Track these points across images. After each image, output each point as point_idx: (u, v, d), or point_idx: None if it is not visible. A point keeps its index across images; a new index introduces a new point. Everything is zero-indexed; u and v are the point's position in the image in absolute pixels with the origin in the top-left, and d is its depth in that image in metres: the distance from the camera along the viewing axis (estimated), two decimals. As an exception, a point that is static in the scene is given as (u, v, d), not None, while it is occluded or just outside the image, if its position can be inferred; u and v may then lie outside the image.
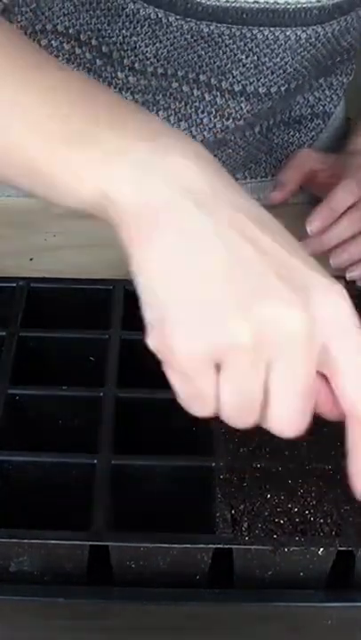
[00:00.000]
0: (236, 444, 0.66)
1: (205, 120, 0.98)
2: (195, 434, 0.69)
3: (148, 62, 0.93)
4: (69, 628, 0.62)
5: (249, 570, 0.61)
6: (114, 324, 0.76)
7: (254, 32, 0.91)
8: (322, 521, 0.61)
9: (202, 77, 0.95)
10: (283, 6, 0.89)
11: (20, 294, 0.79)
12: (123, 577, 0.61)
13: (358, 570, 0.61)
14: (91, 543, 0.60)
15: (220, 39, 0.91)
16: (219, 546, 0.60)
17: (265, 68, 0.94)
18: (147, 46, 0.91)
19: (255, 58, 0.93)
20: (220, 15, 0.89)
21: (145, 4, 0.88)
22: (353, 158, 1.01)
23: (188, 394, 0.56)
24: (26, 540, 0.60)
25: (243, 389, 0.55)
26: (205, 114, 0.97)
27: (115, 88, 0.95)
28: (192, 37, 0.90)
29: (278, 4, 0.89)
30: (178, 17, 0.89)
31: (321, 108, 1.05)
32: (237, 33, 0.91)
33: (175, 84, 0.95)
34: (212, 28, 0.90)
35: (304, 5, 0.89)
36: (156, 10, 0.89)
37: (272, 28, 0.91)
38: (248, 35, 0.91)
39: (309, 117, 1.05)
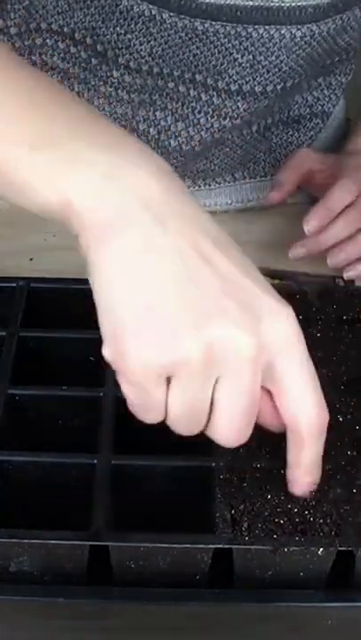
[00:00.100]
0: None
1: (203, 120, 0.98)
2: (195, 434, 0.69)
3: (143, 61, 0.93)
4: (69, 628, 0.62)
5: (249, 570, 0.61)
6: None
7: (249, 30, 0.91)
8: (322, 521, 0.61)
9: (198, 77, 0.95)
10: (277, 4, 0.89)
11: (20, 294, 0.79)
12: (123, 577, 0.61)
13: (358, 570, 0.61)
14: (91, 543, 0.60)
15: (214, 37, 0.91)
16: (219, 546, 0.60)
17: (260, 67, 0.93)
18: (141, 44, 0.91)
19: (251, 56, 0.93)
20: (215, 13, 0.89)
21: (139, 1, 0.88)
22: (351, 158, 1.02)
23: (139, 403, 0.59)
24: (26, 540, 0.60)
25: (191, 401, 0.58)
26: (202, 114, 0.97)
27: (110, 87, 0.95)
28: (187, 35, 0.90)
29: (273, 1, 0.89)
30: (172, 14, 0.89)
31: (320, 107, 1.05)
32: (232, 31, 0.90)
33: (171, 84, 0.95)
34: (206, 25, 0.90)
35: (299, 3, 0.89)
36: (150, 7, 0.88)
37: (267, 26, 0.91)
38: (243, 33, 0.91)
39: (308, 117, 1.05)
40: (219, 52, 0.92)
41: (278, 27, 0.91)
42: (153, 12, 0.89)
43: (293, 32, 0.91)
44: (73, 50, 0.94)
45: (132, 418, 0.69)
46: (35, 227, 0.99)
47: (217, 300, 0.57)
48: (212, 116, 0.97)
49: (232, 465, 0.65)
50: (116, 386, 0.70)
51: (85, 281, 0.78)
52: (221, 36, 0.91)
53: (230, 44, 0.92)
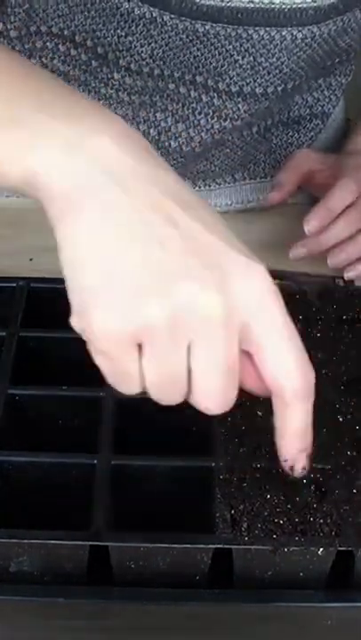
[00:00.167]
0: (236, 444, 0.66)
1: (203, 121, 0.98)
2: (195, 434, 0.69)
3: (144, 63, 0.93)
4: (69, 628, 0.62)
5: (249, 570, 0.61)
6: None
7: (250, 32, 0.91)
8: (322, 521, 0.61)
9: (198, 78, 0.95)
10: (278, 6, 0.89)
11: (20, 294, 0.79)
12: (123, 577, 0.61)
13: (358, 570, 0.61)
14: (91, 543, 0.60)
15: (215, 39, 0.91)
16: (219, 546, 0.60)
17: (261, 69, 0.94)
18: (142, 46, 0.91)
19: (251, 58, 0.93)
20: (215, 15, 0.89)
21: (139, 3, 0.88)
22: (351, 158, 1.02)
23: (113, 373, 0.57)
24: (26, 540, 0.60)
25: (165, 368, 0.56)
26: (203, 115, 0.97)
27: (111, 89, 0.95)
28: (187, 37, 0.90)
29: (274, 3, 0.89)
30: (172, 16, 0.89)
31: (320, 108, 1.05)
32: (233, 33, 0.91)
33: (172, 86, 0.95)
34: (207, 27, 0.90)
35: (300, 5, 0.89)
36: (151, 9, 0.88)
37: (268, 28, 0.91)
38: (244, 35, 0.91)
39: (308, 118, 1.05)
40: (219, 54, 0.92)
41: (279, 28, 0.91)
42: (154, 15, 0.89)
43: (294, 34, 0.91)
44: (73, 52, 0.94)
45: (133, 418, 0.70)
46: (35, 227, 0.98)
47: (180, 259, 0.55)
48: (213, 118, 0.97)
49: (232, 465, 0.65)
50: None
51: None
52: (222, 37, 0.91)
53: (231, 46, 0.92)
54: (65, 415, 0.71)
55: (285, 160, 1.03)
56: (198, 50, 0.92)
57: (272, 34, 0.91)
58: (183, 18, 0.89)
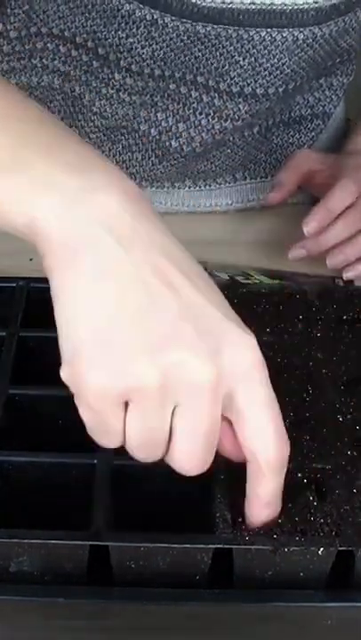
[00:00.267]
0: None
1: (204, 121, 0.98)
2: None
3: (145, 64, 0.93)
4: (69, 628, 0.62)
5: (249, 570, 0.61)
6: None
7: (251, 33, 0.91)
8: (322, 521, 0.61)
9: (199, 79, 0.95)
10: (279, 7, 0.89)
11: (20, 294, 0.79)
12: (123, 577, 0.61)
13: (358, 570, 0.61)
14: (91, 543, 0.60)
15: (216, 40, 0.91)
16: (219, 546, 0.60)
17: (262, 70, 0.94)
18: (143, 48, 0.91)
19: (252, 59, 0.93)
20: (216, 16, 0.89)
21: (140, 5, 0.88)
22: (351, 158, 1.02)
23: (96, 427, 0.58)
24: (26, 540, 0.60)
25: (148, 428, 0.57)
26: (204, 115, 0.98)
27: (112, 89, 0.95)
28: (188, 39, 0.90)
29: (274, 5, 0.89)
30: (173, 18, 0.89)
31: (321, 108, 1.05)
32: (234, 34, 0.91)
33: (173, 86, 0.95)
34: (208, 29, 0.90)
35: (301, 6, 0.90)
36: (152, 11, 0.89)
37: (269, 29, 0.91)
38: (245, 36, 0.91)
39: (309, 118, 1.05)
40: (220, 55, 0.92)
41: (280, 29, 0.91)
42: (155, 17, 0.89)
43: (295, 35, 0.91)
44: (74, 53, 0.94)
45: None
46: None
47: (175, 325, 0.56)
48: (214, 118, 0.97)
49: (232, 465, 0.64)
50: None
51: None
52: (223, 39, 0.91)
53: (232, 47, 0.92)
54: (65, 415, 0.70)
55: (285, 160, 1.03)
56: (199, 51, 0.92)
57: (273, 35, 0.91)
58: (184, 20, 0.89)
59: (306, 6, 0.90)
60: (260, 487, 0.60)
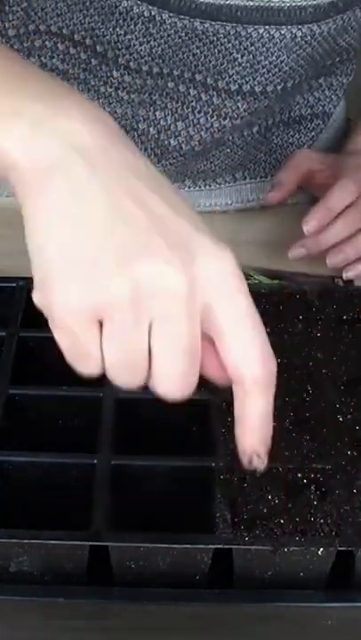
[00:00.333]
0: (237, 444, 0.66)
1: (202, 120, 0.98)
2: (195, 434, 0.69)
3: (143, 61, 0.93)
4: (69, 628, 0.62)
5: (249, 570, 0.61)
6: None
7: (249, 30, 0.91)
8: (322, 521, 0.61)
9: (198, 77, 0.95)
10: (277, 4, 0.89)
11: (20, 294, 0.79)
12: (123, 577, 0.61)
13: (358, 570, 0.61)
14: (91, 543, 0.60)
15: (214, 37, 0.91)
16: (219, 546, 0.60)
17: (261, 67, 0.94)
18: (141, 44, 0.91)
19: (251, 56, 0.93)
20: (214, 13, 0.89)
21: (138, 2, 0.88)
22: (351, 158, 1.02)
23: (72, 351, 0.57)
24: (26, 540, 0.60)
25: (125, 347, 0.55)
26: (202, 113, 0.98)
27: (110, 87, 0.95)
28: (186, 35, 0.90)
29: (273, 2, 0.89)
30: (171, 14, 0.89)
31: (321, 108, 1.05)
32: (232, 31, 0.91)
33: (171, 84, 0.95)
34: (206, 26, 0.90)
35: (299, 3, 0.89)
36: (150, 7, 0.89)
37: (267, 27, 0.91)
38: (243, 33, 0.91)
39: (309, 118, 1.05)
40: (219, 52, 0.92)
41: (278, 27, 0.91)
42: (153, 13, 0.89)
43: (294, 32, 0.91)
44: (72, 51, 0.94)
45: (133, 418, 0.70)
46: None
47: (146, 238, 0.55)
48: (212, 116, 0.97)
49: (232, 465, 0.65)
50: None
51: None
52: (221, 36, 0.91)
53: (230, 44, 0.92)
54: (65, 415, 0.71)
55: (285, 160, 1.03)
56: (197, 48, 0.92)
57: (271, 32, 0.91)
58: (182, 16, 0.89)
59: (304, 3, 0.90)
60: (249, 408, 0.57)
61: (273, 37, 0.91)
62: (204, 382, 0.67)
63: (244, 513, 0.62)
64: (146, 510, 0.65)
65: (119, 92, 0.96)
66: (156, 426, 0.70)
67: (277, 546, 0.60)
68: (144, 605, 0.61)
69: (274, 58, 0.93)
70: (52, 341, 0.76)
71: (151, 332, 0.55)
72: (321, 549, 0.60)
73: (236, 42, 0.92)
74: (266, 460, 0.58)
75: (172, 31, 0.90)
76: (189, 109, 0.97)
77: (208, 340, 0.57)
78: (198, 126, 0.98)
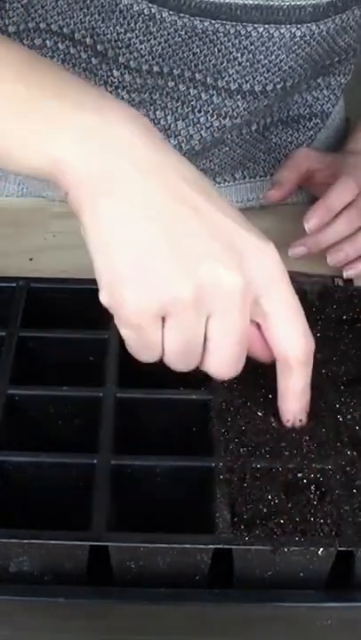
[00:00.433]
0: (236, 444, 0.66)
1: (202, 119, 0.98)
2: (195, 434, 0.69)
3: (143, 60, 0.93)
4: (69, 628, 0.62)
5: (249, 570, 0.61)
6: (113, 325, 0.76)
7: (249, 29, 0.91)
8: (322, 521, 0.61)
9: (198, 76, 0.95)
10: (277, 3, 0.89)
11: (20, 294, 0.79)
12: (123, 577, 0.61)
13: (358, 570, 0.61)
14: (91, 543, 0.60)
15: (214, 36, 0.91)
16: (218, 546, 0.60)
17: (260, 66, 0.93)
18: (141, 43, 0.91)
19: (250, 56, 0.93)
20: (214, 12, 0.89)
21: (138, 0, 0.88)
22: (351, 157, 1.02)
23: (137, 343, 0.64)
24: (26, 540, 0.60)
25: (185, 337, 0.63)
26: (202, 112, 0.97)
27: (110, 87, 0.95)
28: (186, 34, 0.90)
29: (272, 0, 0.89)
30: (171, 13, 0.89)
31: (319, 107, 1.05)
32: (232, 30, 0.90)
33: (171, 83, 0.95)
34: (205, 24, 0.90)
35: (298, 3, 0.89)
36: (150, 5, 0.89)
37: (266, 26, 0.91)
38: (243, 32, 0.91)
39: (307, 117, 1.05)
40: (218, 51, 0.92)
41: (278, 26, 0.91)
42: (152, 11, 0.89)
43: (293, 31, 0.91)
44: (73, 51, 0.94)
45: (133, 418, 0.70)
46: (35, 227, 0.99)
47: (203, 243, 0.62)
48: (212, 115, 0.97)
49: (232, 465, 0.65)
50: (117, 386, 0.71)
51: (85, 281, 0.79)
52: (221, 34, 0.91)
53: (230, 43, 0.92)
54: (65, 415, 0.71)
55: (285, 159, 1.03)
56: (197, 47, 0.92)
57: (271, 31, 0.91)
58: (182, 14, 0.89)
59: (303, 3, 0.89)
60: (291, 380, 0.66)
61: (272, 36, 0.91)
62: (204, 382, 0.67)
63: (244, 513, 0.62)
64: (146, 510, 0.65)
65: (119, 91, 0.95)
66: (156, 426, 0.70)
67: (277, 546, 0.60)
68: (144, 605, 0.61)
69: (273, 57, 0.93)
70: (51, 341, 0.76)
71: (208, 323, 0.63)
72: (321, 549, 0.60)
73: (236, 41, 0.91)
74: (306, 420, 0.68)
75: (172, 30, 0.90)
76: (189, 108, 0.97)
77: (254, 324, 0.65)
78: (198, 125, 0.98)
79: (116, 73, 0.94)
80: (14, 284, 0.80)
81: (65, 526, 0.60)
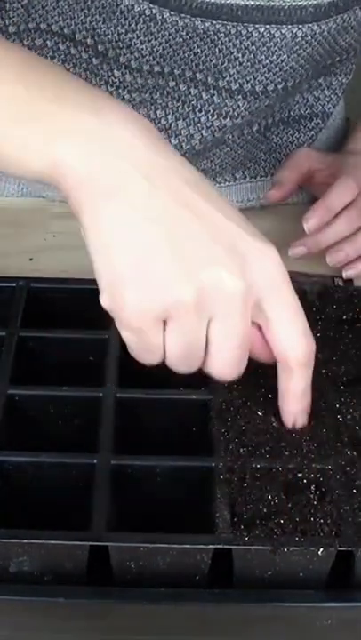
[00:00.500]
0: (236, 444, 0.66)
1: (203, 119, 0.98)
2: (195, 434, 0.69)
3: (144, 60, 0.93)
4: (69, 628, 0.62)
5: (249, 570, 0.61)
6: (114, 325, 0.76)
7: (250, 29, 0.91)
8: (322, 521, 0.61)
9: (199, 76, 0.95)
10: (278, 4, 0.89)
11: (20, 294, 0.79)
12: (123, 577, 0.61)
13: (358, 570, 0.61)
14: (91, 543, 0.60)
15: (215, 37, 0.91)
16: (218, 546, 0.60)
17: (261, 66, 0.93)
18: (142, 43, 0.91)
19: (251, 56, 0.93)
20: (215, 12, 0.89)
21: (139, 0, 0.88)
22: (351, 157, 1.02)
23: (138, 346, 0.64)
24: (26, 540, 0.60)
25: (187, 340, 0.63)
26: (203, 112, 0.97)
27: (111, 87, 0.95)
28: (187, 34, 0.90)
29: (273, 1, 0.89)
30: (172, 13, 0.89)
31: (320, 107, 1.05)
32: (233, 30, 0.90)
33: (172, 83, 0.95)
34: (207, 24, 0.90)
35: (299, 3, 0.89)
36: (151, 6, 0.88)
37: (267, 26, 0.91)
38: (244, 32, 0.91)
39: (308, 117, 1.05)
40: (219, 52, 0.92)
41: (279, 26, 0.91)
42: (153, 12, 0.89)
43: (294, 31, 0.91)
44: (74, 51, 0.94)
45: (133, 418, 0.70)
46: (35, 227, 0.99)
47: (205, 246, 0.61)
48: (213, 115, 0.97)
49: (232, 465, 0.65)
50: (117, 386, 0.71)
51: (85, 281, 0.79)
52: (222, 35, 0.91)
53: (231, 44, 0.92)
54: (65, 415, 0.71)
55: (285, 159, 1.03)
56: (198, 47, 0.92)
57: (272, 31, 0.91)
58: (183, 15, 0.89)
59: (304, 3, 0.89)
60: (291, 381, 0.66)
61: (273, 37, 0.91)
62: (204, 382, 0.68)
63: (244, 513, 0.62)
64: (146, 510, 0.65)
65: (120, 91, 0.96)
66: (156, 426, 0.70)
67: (277, 546, 0.60)
68: (144, 605, 0.61)
69: (274, 57, 0.93)
70: (51, 341, 0.76)
71: (210, 326, 0.62)
72: (321, 549, 0.60)
73: (237, 41, 0.91)
74: (306, 422, 0.68)
75: (173, 30, 0.90)
76: (190, 108, 0.97)
77: (255, 326, 0.65)
78: (199, 125, 0.98)
79: (117, 73, 0.94)
80: (14, 284, 0.80)
81: (65, 526, 0.60)
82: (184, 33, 0.90)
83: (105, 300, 0.62)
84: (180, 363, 0.64)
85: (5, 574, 0.61)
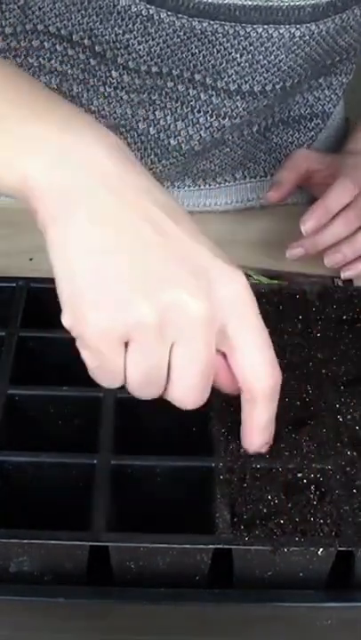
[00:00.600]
0: (237, 444, 0.66)
1: (202, 119, 0.98)
2: (195, 434, 0.69)
3: (142, 60, 0.93)
4: (69, 628, 0.62)
5: (249, 570, 0.61)
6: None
7: (248, 30, 0.91)
8: (322, 521, 0.61)
9: (197, 76, 0.95)
10: (276, 4, 0.89)
11: (20, 294, 0.79)
12: (123, 577, 0.61)
13: (358, 570, 0.61)
14: (91, 543, 0.60)
15: (213, 37, 0.91)
16: (218, 546, 0.60)
17: (259, 67, 0.93)
18: (140, 44, 0.91)
19: (250, 56, 0.93)
20: (212, 12, 0.89)
21: (136, 1, 0.88)
22: (350, 158, 1.02)
23: (98, 367, 0.61)
24: (26, 540, 0.60)
25: (148, 364, 0.60)
26: (202, 113, 0.97)
27: (109, 87, 0.95)
28: (185, 35, 0.90)
29: (271, 1, 0.89)
30: (169, 13, 0.89)
31: (320, 107, 1.05)
32: (231, 31, 0.90)
33: (170, 84, 0.95)
34: (204, 25, 0.90)
35: (297, 3, 0.89)
36: (148, 6, 0.89)
37: (266, 26, 0.91)
38: (242, 32, 0.91)
39: (308, 117, 1.05)
40: (217, 52, 0.92)
41: (277, 26, 0.91)
42: (151, 12, 0.89)
43: (292, 32, 0.91)
44: (71, 52, 0.94)
45: (133, 418, 0.70)
46: (35, 227, 0.99)
47: (170, 267, 0.59)
48: (212, 116, 0.97)
49: (232, 465, 0.65)
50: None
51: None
52: (220, 35, 0.91)
53: (229, 44, 0.92)
54: (65, 415, 0.71)
55: (284, 159, 1.03)
56: (196, 47, 0.92)
57: (270, 31, 0.91)
58: (180, 15, 0.89)
59: (302, 3, 0.89)
60: (255, 413, 0.63)
61: (272, 37, 0.91)
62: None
63: (244, 513, 0.62)
64: (146, 510, 0.65)
65: (118, 91, 0.96)
66: (156, 426, 0.70)
67: (277, 546, 0.60)
68: (144, 605, 0.61)
69: (273, 57, 0.93)
70: (51, 341, 0.76)
71: (172, 350, 0.60)
72: (321, 549, 0.60)
73: (235, 41, 0.91)
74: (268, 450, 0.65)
75: (171, 30, 0.90)
76: (189, 109, 0.97)
77: (220, 354, 0.62)
78: (198, 126, 0.98)
79: (114, 74, 0.94)
80: (14, 284, 0.80)
81: (65, 526, 0.60)
82: (182, 33, 0.90)
83: (66, 320, 0.60)
84: (141, 388, 0.62)
85: (5, 574, 0.61)
